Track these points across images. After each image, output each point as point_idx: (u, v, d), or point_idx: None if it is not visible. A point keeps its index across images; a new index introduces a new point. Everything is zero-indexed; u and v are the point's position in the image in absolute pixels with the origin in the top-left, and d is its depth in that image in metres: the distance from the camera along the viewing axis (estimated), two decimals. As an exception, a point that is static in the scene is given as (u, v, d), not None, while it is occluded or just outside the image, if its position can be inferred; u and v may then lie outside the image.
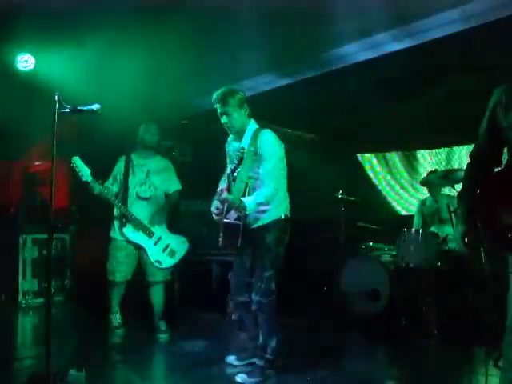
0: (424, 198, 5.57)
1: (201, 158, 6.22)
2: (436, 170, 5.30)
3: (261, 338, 3.32)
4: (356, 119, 6.15)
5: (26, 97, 5.16)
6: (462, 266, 4.48)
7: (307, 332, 4.67)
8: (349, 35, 4.08)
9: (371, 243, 5.46)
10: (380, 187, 7.44)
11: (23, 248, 5.95)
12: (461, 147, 6.50)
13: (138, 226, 4.32)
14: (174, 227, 4.58)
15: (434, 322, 4.38)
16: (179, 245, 4.46)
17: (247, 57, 4.76)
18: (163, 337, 4.34)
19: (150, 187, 4.44)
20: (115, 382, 3.38)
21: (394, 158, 7.34)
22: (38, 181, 7.28)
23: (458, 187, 4.24)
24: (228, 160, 3.55)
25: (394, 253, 5.02)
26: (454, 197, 4.90)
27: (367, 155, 7.56)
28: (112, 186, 4.44)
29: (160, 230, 4.41)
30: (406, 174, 7.21)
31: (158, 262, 4.34)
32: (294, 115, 5.96)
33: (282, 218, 3.30)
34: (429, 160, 6.99)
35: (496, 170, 2.16)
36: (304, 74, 4.79)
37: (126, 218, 4.31)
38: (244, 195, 3.16)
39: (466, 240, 2.14)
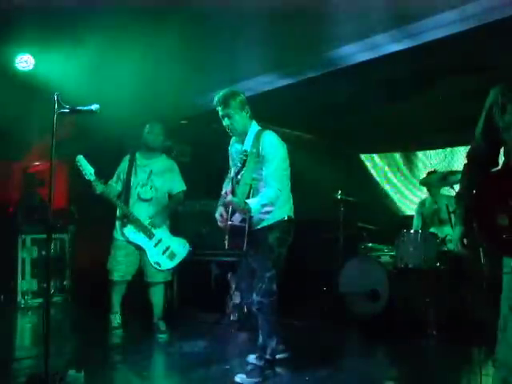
0: (423, 198, 5.57)
1: (200, 158, 6.22)
2: (436, 171, 5.31)
3: (260, 339, 3.32)
4: (356, 119, 6.14)
5: (25, 97, 5.15)
6: (461, 266, 4.48)
7: (307, 332, 4.66)
8: (349, 36, 4.08)
9: (370, 244, 5.47)
10: (384, 186, 7.45)
11: (22, 248, 5.96)
12: (461, 147, 6.50)
13: (139, 226, 4.32)
14: (173, 228, 4.58)
15: (433, 322, 4.38)
16: (180, 248, 4.45)
17: (247, 57, 4.76)
18: (162, 337, 4.34)
19: (151, 188, 4.44)
20: (114, 383, 3.38)
21: (396, 157, 7.35)
22: (37, 181, 7.30)
23: (458, 188, 4.24)
24: (231, 162, 3.56)
25: (394, 253, 5.02)
26: (453, 197, 4.89)
27: (371, 155, 7.58)
28: (116, 185, 4.46)
29: (161, 232, 4.40)
30: (408, 174, 7.22)
31: (158, 263, 4.33)
32: (294, 115, 5.96)
33: (286, 219, 3.31)
34: (429, 160, 7.00)
35: (493, 170, 2.16)
36: (304, 74, 4.79)
37: (127, 219, 4.31)
38: (248, 197, 3.17)
39: (465, 241, 2.14)
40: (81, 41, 4.60)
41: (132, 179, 4.41)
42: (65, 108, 2.87)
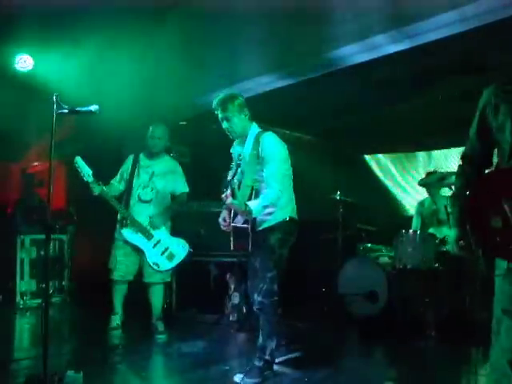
0: (423, 199, 5.57)
1: (199, 159, 6.21)
2: (435, 171, 5.30)
3: (260, 339, 3.31)
4: (356, 120, 6.15)
5: (24, 97, 5.15)
6: (460, 267, 4.48)
7: (306, 333, 4.66)
8: (349, 36, 4.08)
9: (369, 244, 5.46)
10: (388, 186, 7.45)
11: (21, 248, 5.94)
12: (461, 148, 6.48)
13: (138, 227, 4.31)
14: (172, 228, 4.57)
15: (432, 323, 4.38)
16: (179, 249, 4.43)
17: (247, 58, 4.76)
18: (161, 337, 4.34)
19: (151, 190, 4.44)
20: (113, 383, 3.37)
21: (402, 157, 7.35)
22: (36, 181, 7.29)
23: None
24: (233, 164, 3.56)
25: (392, 254, 5.02)
26: (452, 198, 4.89)
27: (376, 155, 7.58)
28: (118, 184, 4.47)
29: (160, 233, 4.39)
30: (410, 174, 7.22)
31: (156, 264, 4.32)
32: (294, 116, 5.96)
33: (287, 219, 3.30)
34: (429, 160, 7.00)
35: (486, 171, 2.15)
36: (304, 75, 4.79)
37: (125, 220, 4.31)
38: (250, 199, 3.17)
39: (461, 243, 2.13)
40: (80, 41, 4.60)
41: (134, 180, 4.42)
42: (64, 108, 2.86)
